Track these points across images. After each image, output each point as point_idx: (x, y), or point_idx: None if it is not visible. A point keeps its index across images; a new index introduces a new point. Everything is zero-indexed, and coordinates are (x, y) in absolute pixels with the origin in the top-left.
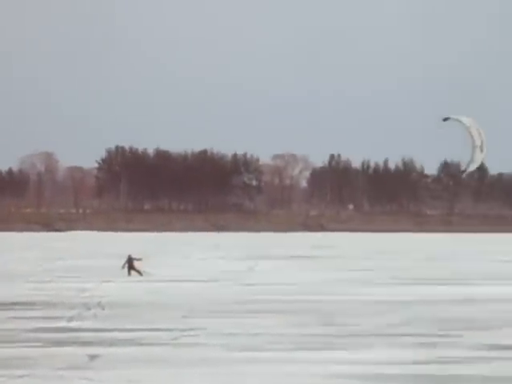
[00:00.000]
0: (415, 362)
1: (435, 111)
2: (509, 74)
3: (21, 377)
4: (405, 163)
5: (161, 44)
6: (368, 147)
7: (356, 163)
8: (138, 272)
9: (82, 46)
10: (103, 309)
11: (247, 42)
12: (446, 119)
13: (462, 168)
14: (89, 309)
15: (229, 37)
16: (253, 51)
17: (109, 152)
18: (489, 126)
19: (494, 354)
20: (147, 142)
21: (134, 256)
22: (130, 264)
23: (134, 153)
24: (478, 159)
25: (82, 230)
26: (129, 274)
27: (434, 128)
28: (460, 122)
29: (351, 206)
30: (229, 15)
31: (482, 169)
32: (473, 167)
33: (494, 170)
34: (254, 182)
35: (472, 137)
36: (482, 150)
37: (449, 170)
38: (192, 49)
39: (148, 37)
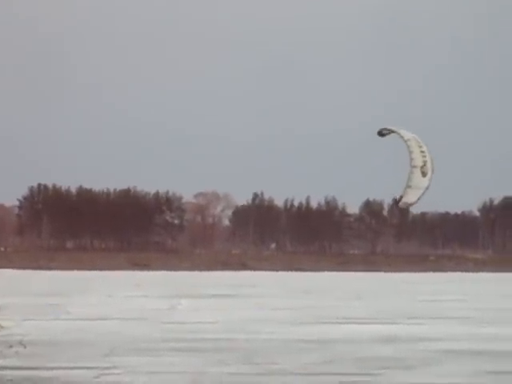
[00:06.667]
0: None
1: (357, 150)
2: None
3: None
4: (327, 202)
5: (85, 85)
6: (290, 185)
7: (279, 201)
8: None
9: (10, 81)
10: (25, 347)
11: (176, 80)
12: (382, 133)
13: (397, 197)
14: (10, 346)
15: (157, 76)
16: (179, 87)
17: (31, 190)
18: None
19: None
20: (70, 180)
21: None
22: None
23: (56, 191)
24: (418, 184)
25: (3, 268)
26: None
27: (357, 167)
28: (399, 134)
29: (274, 245)
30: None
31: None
32: (412, 197)
33: (416, 209)
34: (177, 221)
35: (410, 153)
36: (424, 174)
37: (371, 208)
38: (114, 88)
39: (74, 77)
